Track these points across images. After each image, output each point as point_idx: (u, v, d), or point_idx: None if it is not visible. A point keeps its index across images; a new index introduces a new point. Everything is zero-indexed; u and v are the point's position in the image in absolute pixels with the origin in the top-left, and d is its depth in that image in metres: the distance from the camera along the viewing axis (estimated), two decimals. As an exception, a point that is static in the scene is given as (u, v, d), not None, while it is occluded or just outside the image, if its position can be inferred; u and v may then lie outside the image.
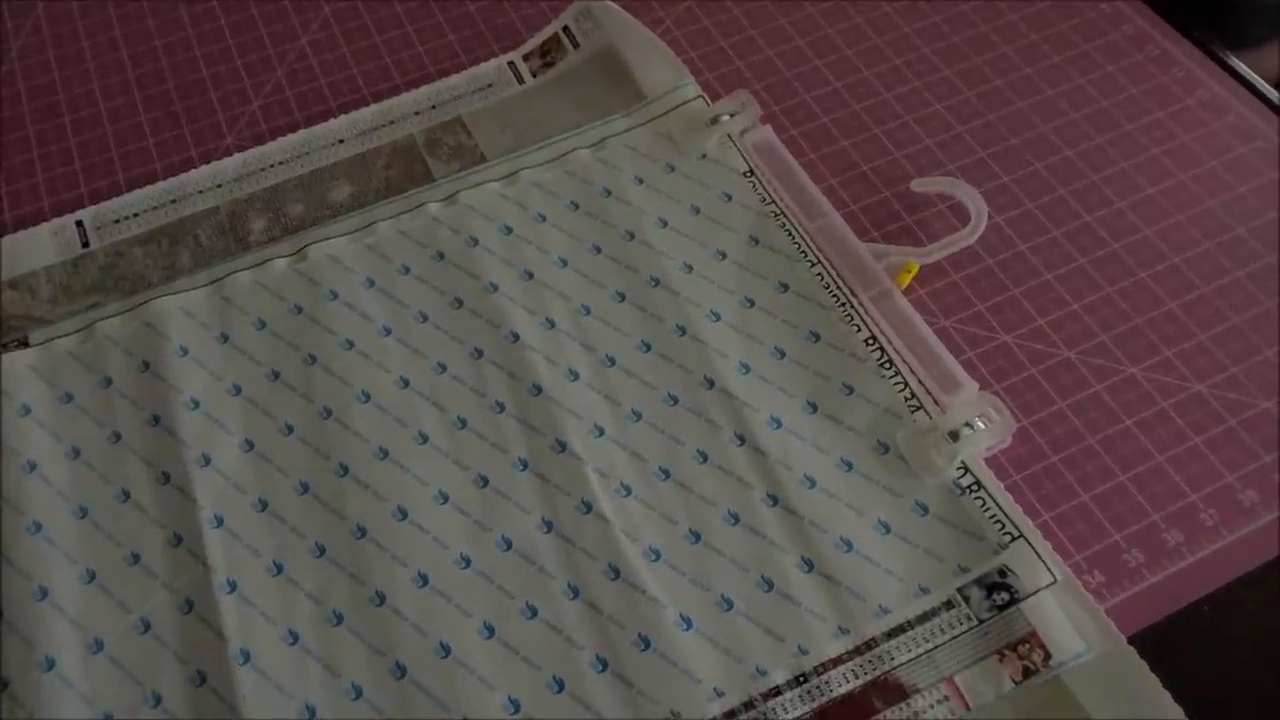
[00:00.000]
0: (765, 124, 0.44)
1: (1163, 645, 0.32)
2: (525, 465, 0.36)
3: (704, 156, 0.44)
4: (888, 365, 0.37)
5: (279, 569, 0.34)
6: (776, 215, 0.42)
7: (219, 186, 0.44)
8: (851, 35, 0.48)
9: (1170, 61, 0.47)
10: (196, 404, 0.38)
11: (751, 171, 0.43)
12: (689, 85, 0.45)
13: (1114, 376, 0.38)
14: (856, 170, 0.44)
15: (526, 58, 0.48)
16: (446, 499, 0.35)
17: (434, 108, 0.46)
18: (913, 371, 0.37)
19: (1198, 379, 0.37)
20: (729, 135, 0.44)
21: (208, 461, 0.36)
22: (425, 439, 0.37)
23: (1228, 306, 0.39)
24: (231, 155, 0.45)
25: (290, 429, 0.37)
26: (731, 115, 0.44)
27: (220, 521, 0.35)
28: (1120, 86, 0.46)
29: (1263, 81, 0.46)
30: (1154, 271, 0.40)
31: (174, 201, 0.44)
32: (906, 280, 0.40)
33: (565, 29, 0.48)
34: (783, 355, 0.38)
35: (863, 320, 0.38)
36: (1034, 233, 0.42)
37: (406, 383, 0.38)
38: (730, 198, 0.42)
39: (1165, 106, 0.45)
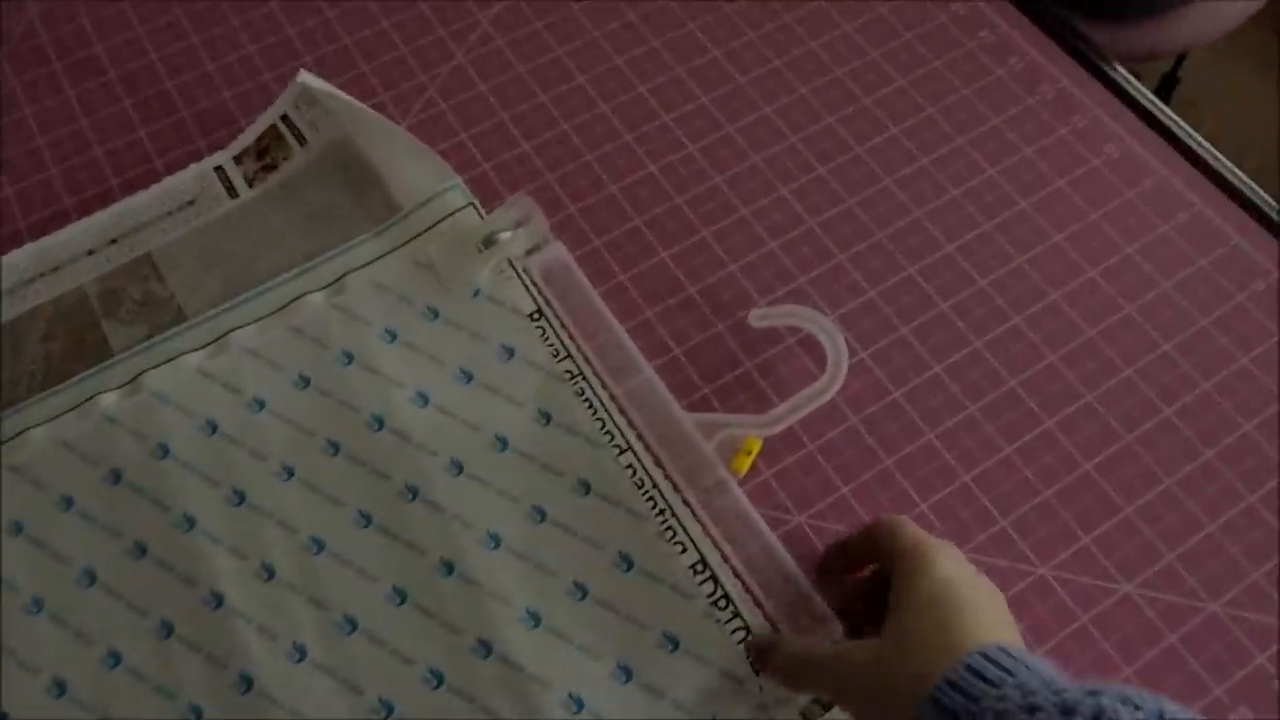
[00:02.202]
0: (557, 241, 0.33)
1: None
2: (226, 815, 0.26)
3: (477, 294, 0.33)
4: (723, 604, 0.28)
5: None
6: (573, 377, 0.31)
7: None
8: (672, 94, 0.37)
9: (1075, 105, 0.37)
10: None
11: (540, 312, 0.32)
12: (456, 189, 0.34)
13: (1022, 581, 0.29)
14: (681, 294, 0.33)
15: (239, 159, 0.35)
16: None
17: (114, 242, 0.34)
18: (759, 605, 0.28)
19: (1125, 575, 0.29)
20: (509, 260, 0.33)
21: None
22: (84, 784, 0.26)
23: (1155, 460, 0.31)
24: None
25: (-116, 791, 0.26)
26: (513, 230, 0.33)
27: None
28: (1013, 142, 0.36)
29: (1142, 89, 0.38)
30: (1063, 417, 0.31)
31: None
32: (747, 463, 0.30)
33: (284, 118, 0.36)
34: (583, 595, 0.28)
35: (688, 537, 0.28)
36: (910, 370, 0.32)
37: (62, 688, 0.27)
38: (512, 354, 0.32)
39: (1068, 172, 0.36)
